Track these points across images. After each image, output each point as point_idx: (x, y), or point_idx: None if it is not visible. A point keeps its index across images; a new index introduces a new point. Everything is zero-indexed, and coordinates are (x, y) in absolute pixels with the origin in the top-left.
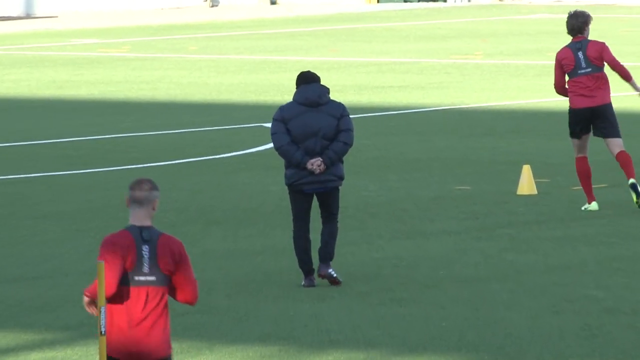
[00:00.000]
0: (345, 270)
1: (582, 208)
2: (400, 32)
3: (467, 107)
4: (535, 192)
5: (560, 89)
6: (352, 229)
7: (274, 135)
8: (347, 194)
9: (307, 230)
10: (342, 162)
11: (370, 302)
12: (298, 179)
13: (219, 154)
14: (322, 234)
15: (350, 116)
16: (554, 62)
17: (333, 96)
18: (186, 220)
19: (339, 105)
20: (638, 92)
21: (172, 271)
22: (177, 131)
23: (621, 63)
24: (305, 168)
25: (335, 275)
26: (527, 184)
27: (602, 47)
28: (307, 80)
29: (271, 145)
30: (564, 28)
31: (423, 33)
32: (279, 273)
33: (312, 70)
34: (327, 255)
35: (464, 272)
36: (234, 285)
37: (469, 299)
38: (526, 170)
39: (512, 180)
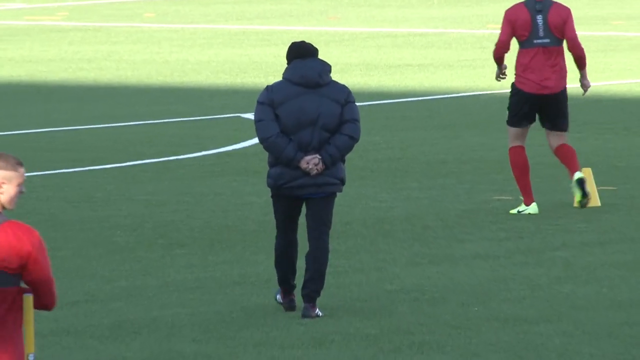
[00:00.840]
0: (349, 307)
1: (515, 211)
2: None
3: (508, 92)
4: (598, 203)
5: (501, 52)
6: (359, 252)
7: (259, 123)
8: (352, 205)
9: (293, 242)
10: (343, 161)
11: (381, 348)
12: (288, 180)
13: (184, 154)
14: (308, 261)
15: (356, 103)
16: (620, 34)
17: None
18: (140, 242)
19: (343, 88)
20: (585, 88)
21: (18, 269)
22: (128, 124)
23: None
24: (298, 167)
25: (320, 315)
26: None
27: (567, 15)
28: (302, 53)
29: (253, 141)
30: None
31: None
32: (262, 310)
33: (308, 42)
34: (313, 293)
35: (505, 309)
36: (203, 327)
37: (511, 344)
38: (586, 175)
39: (568, 189)
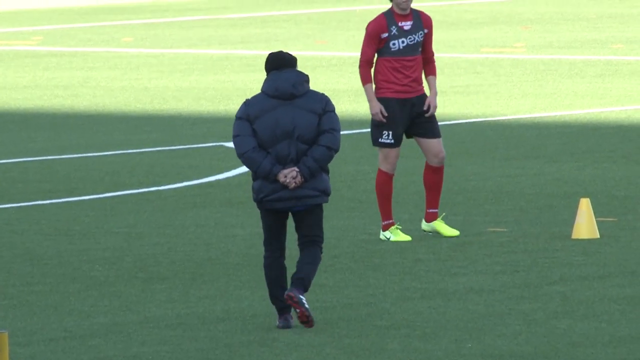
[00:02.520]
0: (337, 343)
1: (387, 237)
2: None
3: (503, 120)
4: (597, 235)
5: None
6: (347, 286)
7: (236, 138)
8: (340, 238)
9: (281, 256)
10: (327, 171)
11: None
12: (268, 193)
13: (164, 185)
14: (299, 261)
15: (341, 131)
16: (619, 58)
17: None
18: (120, 276)
19: (321, 97)
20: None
21: None
22: (106, 153)
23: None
24: (276, 180)
25: (307, 306)
26: (586, 224)
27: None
28: (278, 64)
29: (237, 171)
30: (634, 10)
31: (444, 18)
32: (246, 348)
33: (286, 52)
34: (300, 280)
35: (500, 345)
36: None
37: None
38: (585, 205)
39: (566, 220)
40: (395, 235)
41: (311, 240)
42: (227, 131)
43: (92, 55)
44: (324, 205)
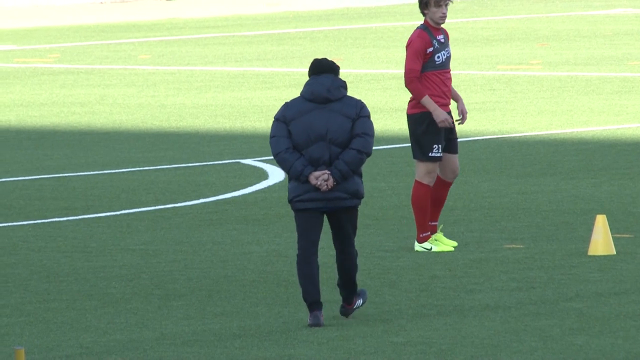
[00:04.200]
0: (346, 356)
1: (428, 248)
2: None
3: (519, 136)
4: (613, 252)
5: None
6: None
7: (272, 139)
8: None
9: (314, 253)
10: (359, 175)
11: None
12: (300, 193)
13: (181, 202)
14: (338, 268)
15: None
16: (636, 75)
17: None
18: (136, 293)
19: (357, 102)
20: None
21: None
22: (123, 170)
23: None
24: (308, 182)
25: (360, 306)
26: (602, 241)
27: (408, 43)
28: (317, 69)
29: (253, 188)
30: None
31: (460, 35)
32: None
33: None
34: (349, 293)
35: None
36: None
37: None
38: (601, 222)
39: (582, 237)
40: (437, 245)
41: (345, 239)
42: (244, 148)
43: (109, 72)
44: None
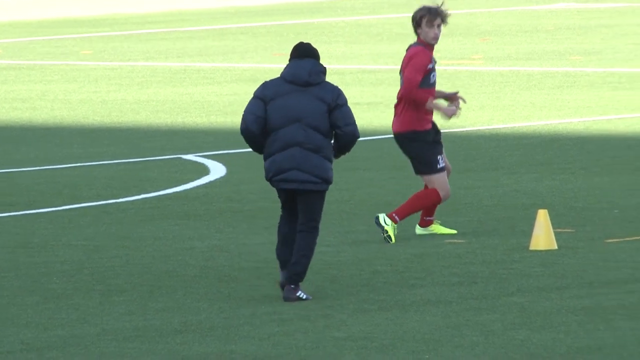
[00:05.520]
0: (294, 355)
1: (429, 230)
2: (370, 28)
3: (461, 132)
4: (554, 246)
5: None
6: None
7: (245, 115)
8: None
9: (293, 221)
10: (330, 161)
11: None
12: (274, 174)
13: (123, 197)
14: (294, 249)
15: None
16: (577, 69)
17: None
18: (78, 289)
19: (334, 88)
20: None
21: None
22: (64, 166)
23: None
24: (282, 161)
25: (305, 297)
26: (544, 235)
27: (409, 55)
28: (299, 53)
29: (195, 183)
30: (592, 22)
31: (402, 30)
32: None
33: (312, 45)
34: (294, 276)
35: (457, 356)
36: None
37: None
38: (542, 217)
39: (524, 231)
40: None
41: (308, 227)
42: (185, 144)
43: (51, 68)
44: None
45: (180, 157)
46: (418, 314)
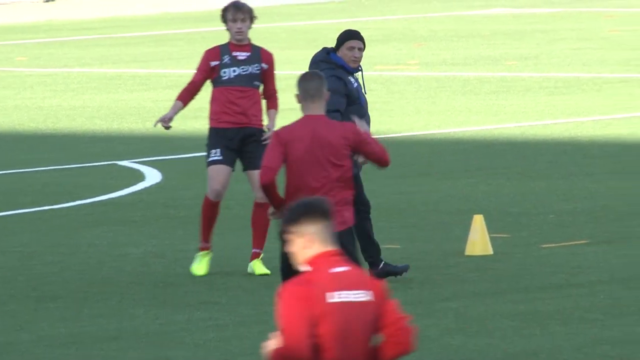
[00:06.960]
0: (223, 357)
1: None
2: (305, 34)
3: (396, 137)
4: (490, 251)
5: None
6: (240, 303)
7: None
8: (233, 257)
9: None
10: None
11: None
12: None
13: (58, 204)
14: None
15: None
16: (513, 74)
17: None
18: (13, 295)
19: None
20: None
21: None
22: (0, 172)
23: None
24: None
25: None
26: (479, 240)
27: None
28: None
29: (130, 189)
30: (528, 27)
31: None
32: None
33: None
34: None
35: None
36: None
37: None
38: (478, 222)
39: (459, 236)
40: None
41: None
42: (120, 150)
43: None
44: None
45: (115, 163)
46: None
